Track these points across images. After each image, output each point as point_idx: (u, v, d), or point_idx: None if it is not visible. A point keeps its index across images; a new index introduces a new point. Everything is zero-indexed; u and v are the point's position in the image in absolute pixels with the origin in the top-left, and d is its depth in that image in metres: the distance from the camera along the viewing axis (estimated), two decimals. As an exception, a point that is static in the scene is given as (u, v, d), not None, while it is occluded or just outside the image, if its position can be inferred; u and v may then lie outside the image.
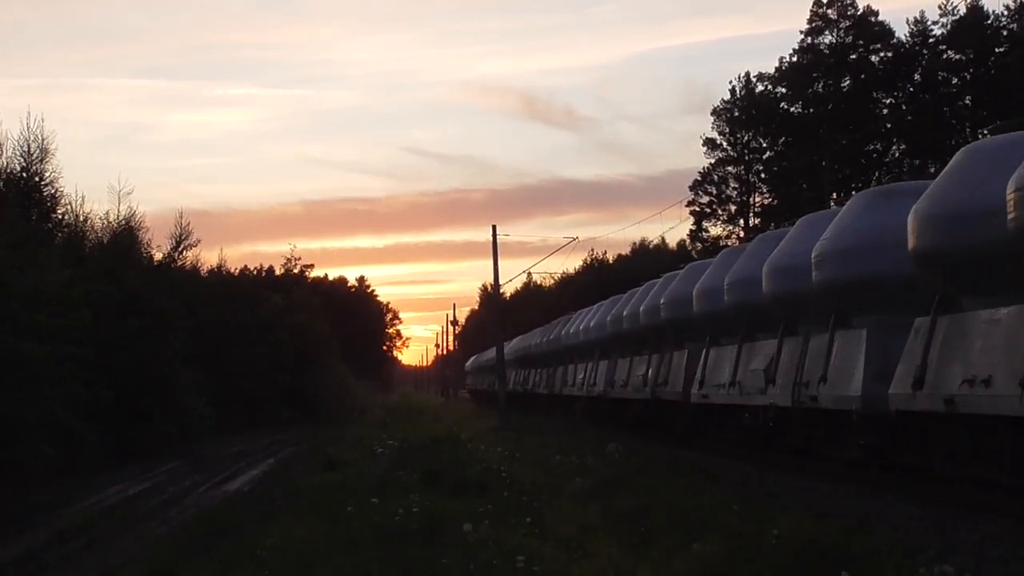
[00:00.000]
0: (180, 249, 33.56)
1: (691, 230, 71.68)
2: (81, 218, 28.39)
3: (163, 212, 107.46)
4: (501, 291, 51.99)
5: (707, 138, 70.91)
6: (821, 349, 15.75)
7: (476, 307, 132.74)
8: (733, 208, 71.24)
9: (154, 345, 26.11)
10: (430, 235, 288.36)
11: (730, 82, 71.31)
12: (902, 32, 63.50)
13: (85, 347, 19.51)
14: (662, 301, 25.35)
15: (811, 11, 65.29)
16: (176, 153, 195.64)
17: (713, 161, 71.05)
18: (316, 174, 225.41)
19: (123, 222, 29.83)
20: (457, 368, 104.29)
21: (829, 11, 65.00)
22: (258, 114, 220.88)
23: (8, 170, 25.52)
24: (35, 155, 25.87)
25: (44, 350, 17.65)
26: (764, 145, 69.61)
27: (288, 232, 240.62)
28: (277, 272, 67.34)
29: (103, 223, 29.43)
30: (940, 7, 61.34)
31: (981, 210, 11.80)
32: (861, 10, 64.39)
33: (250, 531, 11.86)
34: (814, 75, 64.71)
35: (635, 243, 78.51)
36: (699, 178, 71.60)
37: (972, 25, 58.44)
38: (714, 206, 71.35)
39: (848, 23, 64.64)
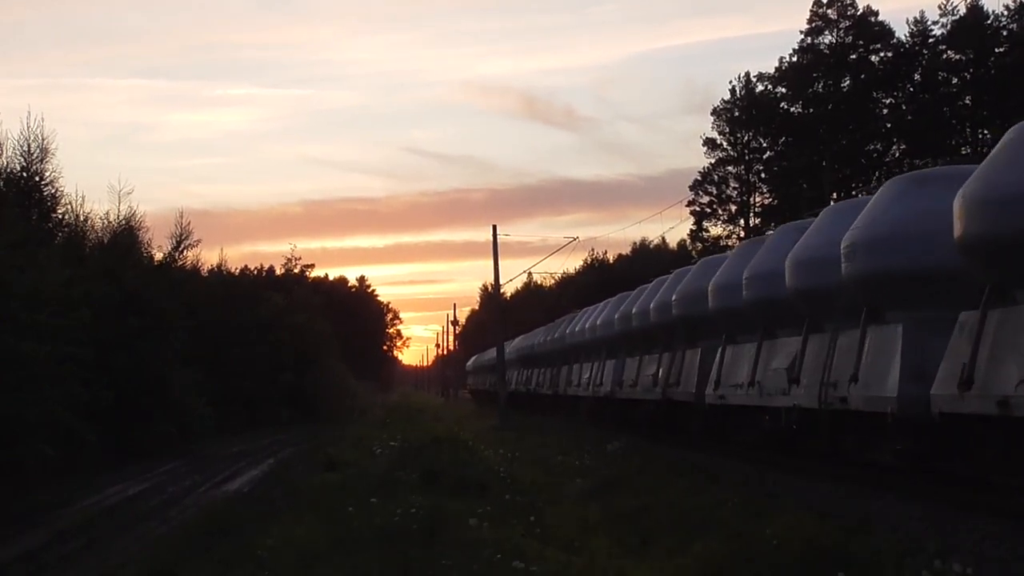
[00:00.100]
0: (180, 249, 33.60)
1: (691, 230, 71.85)
2: (81, 218, 28.45)
3: (163, 212, 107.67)
4: (501, 291, 52.03)
5: (707, 138, 71.08)
6: (851, 347, 14.71)
7: (476, 307, 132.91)
8: (733, 208, 71.29)
9: (154, 345, 26.11)
10: (430, 235, 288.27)
11: (730, 82, 71.52)
12: (902, 32, 63.67)
13: (85, 347, 19.49)
14: (674, 297, 24.26)
15: (811, 11, 65.42)
16: (176, 153, 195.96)
17: (713, 161, 71.17)
18: (316, 174, 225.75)
19: (123, 222, 29.89)
20: (457, 368, 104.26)
21: (829, 11, 65.05)
22: (258, 114, 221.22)
23: (8, 170, 25.57)
24: (35, 155, 25.93)
25: (44, 350, 17.65)
26: (764, 145, 69.67)
27: (288, 232, 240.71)
28: (277, 272, 67.35)
29: (103, 223, 29.49)
30: (940, 7, 61.44)
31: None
32: (861, 10, 64.52)
33: (250, 531, 11.84)
34: (814, 75, 64.75)
35: (635, 243, 78.72)
36: (699, 178, 71.73)
37: (972, 25, 58.46)
38: (714, 206, 71.43)
39: (848, 23, 64.68)
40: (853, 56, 64.15)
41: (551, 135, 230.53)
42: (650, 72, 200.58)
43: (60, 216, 27.53)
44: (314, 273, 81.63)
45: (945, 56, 61.18)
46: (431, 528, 10.64)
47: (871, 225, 14.52)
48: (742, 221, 70.40)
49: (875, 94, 63.73)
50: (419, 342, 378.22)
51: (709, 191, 71.40)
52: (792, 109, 67.05)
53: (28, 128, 25.76)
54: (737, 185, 71.27)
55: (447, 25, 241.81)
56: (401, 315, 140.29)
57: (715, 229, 71.34)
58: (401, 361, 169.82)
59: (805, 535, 9.10)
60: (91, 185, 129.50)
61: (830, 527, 9.88)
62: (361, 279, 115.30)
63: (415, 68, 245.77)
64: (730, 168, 71.02)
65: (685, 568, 8.84)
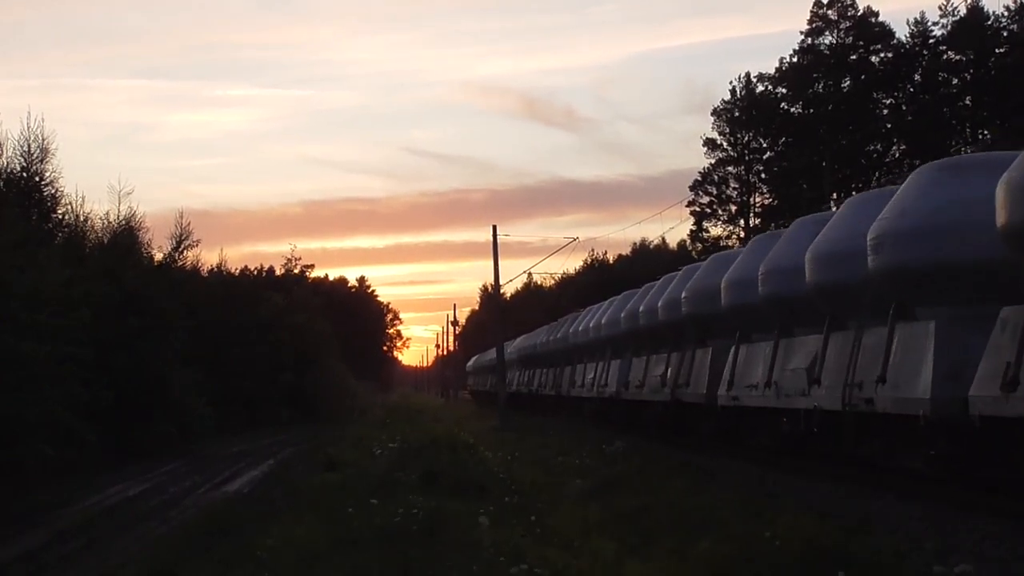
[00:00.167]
0: (180, 249, 33.60)
1: (691, 230, 71.85)
2: (81, 218, 28.46)
3: (163, 212, 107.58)
4: (501, 291, 52.01)
5: (707, 138, 71.08)
6: (878, 345, 13.87)
7: (476, 307, 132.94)
8: (733, 208, 71.31)
9: (154, 345, 26.12)
10: (430, 235, 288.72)
11: (730, 82, 71.50)
12: (902, 33, 63.61)
13: (85, 347, 19.51)
14: (684, 295, 23.25)
15: (811, 12, 65.39)
16: (176, 153, 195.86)
17: (713, 161, 71.19)
18: (316, 174, 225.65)
19: (123, 222, 29.90)
20: (458, 368, 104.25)
21: (829, 12, 65.04)
22: (258, 114, 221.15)
23: (8, 170, 25.58)
24: (35, 155, 25.94)
25: (44, 350, 17.66)
26: (764, 145, 69.68)
27: (288, 232, 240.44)
28: (277, 272, 67.30)
29: (103, 223, 29.50)
30: (940, 8, 61.43)
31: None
32: (861, 11, 64.50)
33: (250, 531, 11.85)
34: (814, 75, 64.74)
35: (635, 243, 78.65)
36: (699, 178, 71.73)
37: (972, 26, 58.45)
38: (714, 206, 71.44)
39: (848, 24, 64.67)
40: (853, 57, 64.16)
41: (551, 135, 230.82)
42: (650, 72, 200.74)
43: (60, 216, 27.58)
44: (314, 273, 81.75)
45: (945, 57, 61.18)
46: (431, 528, 10.65)
47: (901, 215, 13.68)
48: (742, 221, 70.43)
49: (875, 95, 63.72)
50: (419, 342, 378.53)
51: (709, 191, 71.43)
52: (792, 109, 67.06)
53: (28, 128, 25.82)
54: (737, 185, 71.30)
55: (447, 25, 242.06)
56: (401, 315, 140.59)
57: (715, 229, 71.46)
58: (401, 361, 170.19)
59: (805, 535, 9.10)
60: (91, 185, 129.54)
61: (830, 527, 9.89)
62: (361, 279, 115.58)
63: (415, 68, 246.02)
64: (730, 168, 71.05)
65: (686, 568, 8.84)
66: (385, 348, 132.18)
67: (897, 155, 63.23)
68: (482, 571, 8.70)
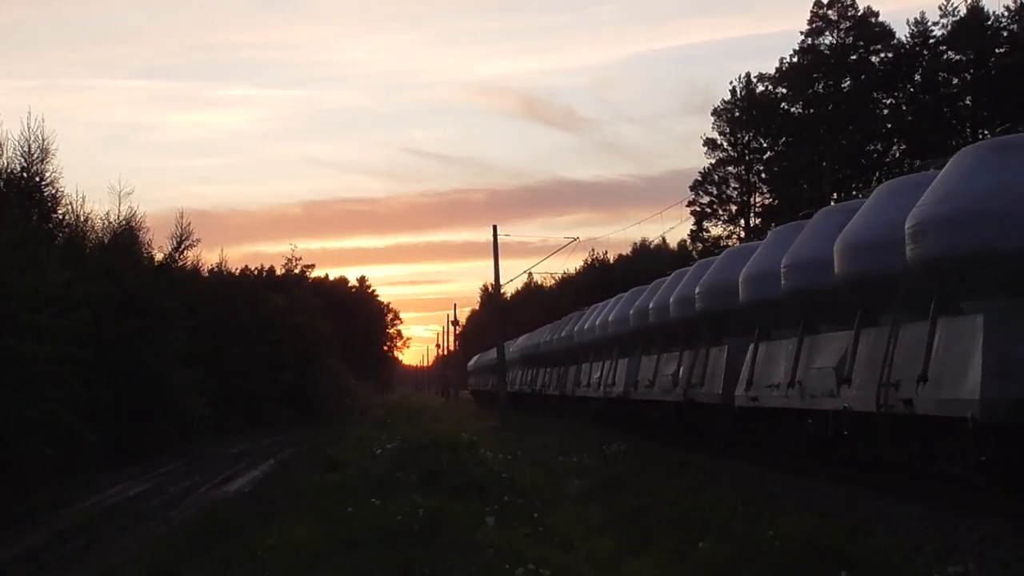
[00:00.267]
0: (180, 249, 33.65)
1: (692, 230, 71.77)
2: (81, 218, 28.50)
3: (163, 212, 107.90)
4: (502, 291, 52.01)
5: (707, 138, 71.01)
6: (917, 341, 12.76)
7: (477, 307, 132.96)
8: (734, 208, 71.25)
9: (154, 345, 26.13)
10: (430, 235, 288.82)
11: (730, 82, 71.44)
12: (902, 33, 63.52)
13: (85, 347, 19.51)
14: (697, 290, 22.05)
15: (811, 12, 65.30)
16: (176, 153, 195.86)
17: (713, 161, 71.12)
18: (316, 174, 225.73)
19: (123, 222, 29.95)
20: (458, 368, 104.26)
21: (829, 12, 65.00)
22: (258, 114, 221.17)
23: (8, 170, 25.60)
24: (35, 155, 25.97)
25: (44, 350, 17.66)
26: (764, 145, 69.62)
27: (288, 232, 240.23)
28: (278, 272, 67.32)
29: (103, 223, 29.55)
30: (940, 8, 61.37)
31: None
32: (861, 11, 64.41)
33: (250, 531, 11.86)
34: (814, 75, 64.70)
35: (636, 243, 78.60)
36: (699, 178, 71.65)
37: (972, 26, 58.41)
38: (715, 206, 71.37)
39: (848, 24, 64.62)
40: (853, 57, 64.12)
41: (551, 135, 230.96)
42: (650, 72, 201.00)
43: (60, 216, 27.62)
44: (314, 273, 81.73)
45: (945, 57, 61.14)
46: (431, 528, 10.65)
47: (944, 200, 12.50)
48: (742, 221, 70.40)
49: (875, 94, 63.68)
50: (419, 342, 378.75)
51: (709, 191, 71.36)
52: (792, 109, 67.02)
53: (28, 128, 25.87)
54: (737, 185, 71.25)
55: (447, 25, 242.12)
56: (401, 315, 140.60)
57: (715, 229, 71.37)
58: (401, 361, 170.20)
59: (805, 535, 9.11)
60: (91, 185, 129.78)
61: (830, 527, 9.89)
62: (361, 279, 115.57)
63: (415, 68, 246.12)
64: (730, 168, 71.00)
65: (686, 568, 8.84)
66: (385, 348, 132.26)
67: (897, 155, 63.17)
68: (482, 571, 8.70)
